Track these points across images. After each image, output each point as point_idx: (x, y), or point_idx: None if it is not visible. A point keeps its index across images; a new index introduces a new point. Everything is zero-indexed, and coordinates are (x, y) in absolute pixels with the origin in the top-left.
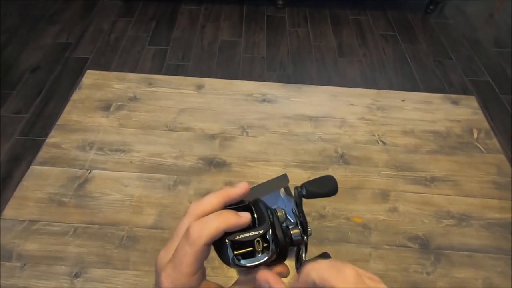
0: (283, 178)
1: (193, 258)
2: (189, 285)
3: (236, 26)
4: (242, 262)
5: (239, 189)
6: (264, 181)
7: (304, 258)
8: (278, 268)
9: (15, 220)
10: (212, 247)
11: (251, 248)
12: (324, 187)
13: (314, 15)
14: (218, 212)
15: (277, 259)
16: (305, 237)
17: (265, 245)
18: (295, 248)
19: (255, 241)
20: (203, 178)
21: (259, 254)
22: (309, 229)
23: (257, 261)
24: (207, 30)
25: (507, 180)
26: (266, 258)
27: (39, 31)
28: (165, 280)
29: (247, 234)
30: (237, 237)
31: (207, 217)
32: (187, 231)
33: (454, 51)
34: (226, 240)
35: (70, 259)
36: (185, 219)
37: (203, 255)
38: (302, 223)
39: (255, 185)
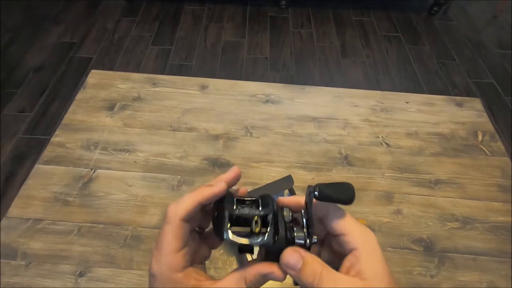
0: (288, 180)
1: (172, 235)
2: (174, 262)
3: (240, 27)
4: (234, 237)
5: (215, 188)
6: (268, 182)
7: None
8: (272, 267)
9: (20, 219)
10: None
11: (248, 229)
12: (340, 193)
13: (317, 15)
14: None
15: (271, 254)
16: (308, 242)
17: (263, 230)
18: None
19: (254, 221)
20: (207, 179)
21: (254, 236)
22: (315, 237)
23: (249, 241)
24: (211, 31)
25: (511, 183)
26: (259, 240)
27: (43, 30)
28: (153, 264)
29: (246, 210)
30: (237, 211)
31: (183, 197)
32: (165, 213)
33: (458, 52)
34: (225, 211)
35: (75, 258)
36: (165, 226)
37: (183, 231)
38: (309, 227)
39: (259, 186)
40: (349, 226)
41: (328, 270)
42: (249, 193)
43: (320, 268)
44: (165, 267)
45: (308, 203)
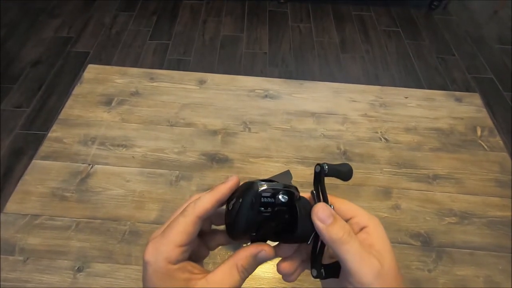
0: (287, 174)
1: (184, 226)
2: (172, 255)
3: (238, 21)
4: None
5: (230, 183)
6: (267, 177)
7: (320, 257)
8: (261, 246)
9: (18, 214)
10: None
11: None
12: (342, 168)
13: (316, 10)
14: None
15: (287, 227)
16: None
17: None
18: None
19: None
20: (205, 174)
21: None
22: (331, 205)
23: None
24: (209, 25)
25: (509, 178)
26: (283, 200)
27: (40, 24)
28: (150, 249)
29: (275, 184)
30: (264, 186)
31: (200, 196)
32: (183, 208)
33: (457, 48)
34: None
35: (73, 254)
36: (180, 218)
37: (194, 229)
38: (326, 200)
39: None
40: (355, 209)
41: (353, 234)
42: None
43: (348, 229)
44: (162, 256)
45: (318, 179)
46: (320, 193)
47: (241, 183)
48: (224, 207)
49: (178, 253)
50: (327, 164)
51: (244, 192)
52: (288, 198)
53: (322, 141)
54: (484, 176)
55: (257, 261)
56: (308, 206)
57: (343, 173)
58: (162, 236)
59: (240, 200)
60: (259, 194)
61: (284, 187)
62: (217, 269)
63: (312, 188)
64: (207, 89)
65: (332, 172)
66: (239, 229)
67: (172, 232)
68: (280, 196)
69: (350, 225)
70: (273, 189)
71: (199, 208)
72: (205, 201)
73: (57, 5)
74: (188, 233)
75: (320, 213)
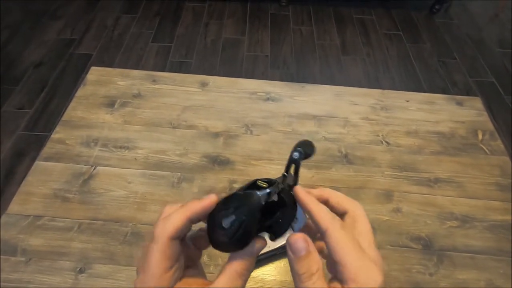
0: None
1: (160, 255)
2: (161, 285)
3: (240, 24)
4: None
5: (205, 202)
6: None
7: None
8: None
9: (20, 215)
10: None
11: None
12: (311, 152)
13: (318, 13)
14: (181, 205)
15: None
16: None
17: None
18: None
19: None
20: (207, 176)
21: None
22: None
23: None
24: (211, 28)
25: (510, 182)
26: (275, 200)
27: (42, 26)
28: (138, 285)
29: (267, 188)
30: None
31: (170, 213)
32: (152, 232)
33: (459, 51)
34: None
35: (75, 255)
36: (152, 245)
37: (172, 251)
38: (297, 178)
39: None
40: (342, 197)
41: (320, 277)
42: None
43: (315, 269)
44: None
45: (298, 163)
46: (297, 176)
47: (240, 186)
48: (202, 226)
49: (168, 279)
50: (301, 147)
51: (244, 208)
52: (278, 196)
53: (323, 144)
54: (485, 179)
55: (254, 255)
56: (288, 194)
57: (311, 153)
58: (143, 270)
59: (244, 218)
60: (262, 206)
61: (272, 188)
62: (219, 278)
63: (290, 170)
64: (209, 91)
65: (306, 155)
66: (245, 244)
67: (151, 264)
68: (273, 198)
69: (333, 210)
70: (268, 194)
71: (169, 229)
72: (176, 220)
73: (60, 7)
74: (168, 257)
75: (296, 242)
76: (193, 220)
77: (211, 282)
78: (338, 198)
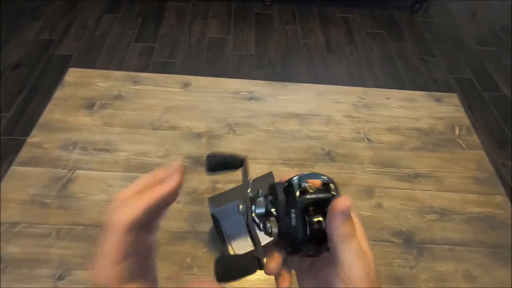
0: (269, 176)
1: (111, 245)
2: (111, 276)
3: (225, 23)
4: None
5: (166, 186)
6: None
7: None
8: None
9: None
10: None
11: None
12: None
13: (302, 12)
14: (140, 191)
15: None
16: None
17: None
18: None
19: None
20: (190, 177)
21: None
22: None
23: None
24: (195, 27)
25: (486, 175)
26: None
27: (20, 27)
28: (93, 273)
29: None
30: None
31: (129, 200)
32: (109, 218)
33: (439, 49)
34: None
35: (53, 261)
36: (105, 234)
37: (125, 242)
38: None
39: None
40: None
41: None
42: (229, 191)
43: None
44: (102, 280)
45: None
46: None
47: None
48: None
49: (118, 271)
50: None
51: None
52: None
53: (306, 142)
54: (462, 173)
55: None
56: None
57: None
58: (98, 258)
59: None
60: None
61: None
62: None
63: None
64: (191, 91)
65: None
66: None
67: (104, 252)
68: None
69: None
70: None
71: (124, 221)
72: (132, 209)
73: (38, 7)
74: (118, 250)
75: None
76: (155, 208)
77: None
78: None
